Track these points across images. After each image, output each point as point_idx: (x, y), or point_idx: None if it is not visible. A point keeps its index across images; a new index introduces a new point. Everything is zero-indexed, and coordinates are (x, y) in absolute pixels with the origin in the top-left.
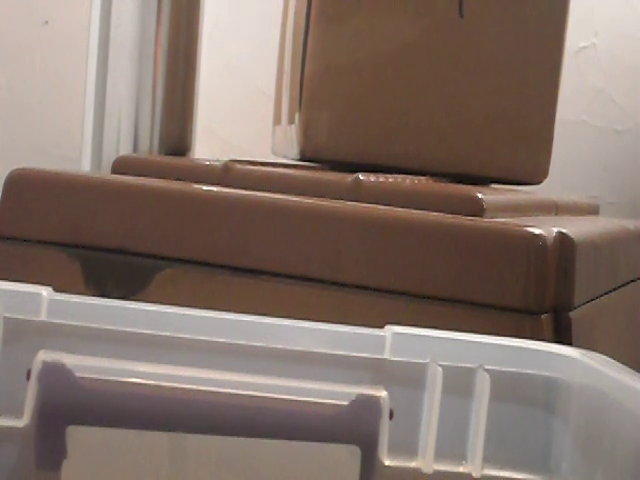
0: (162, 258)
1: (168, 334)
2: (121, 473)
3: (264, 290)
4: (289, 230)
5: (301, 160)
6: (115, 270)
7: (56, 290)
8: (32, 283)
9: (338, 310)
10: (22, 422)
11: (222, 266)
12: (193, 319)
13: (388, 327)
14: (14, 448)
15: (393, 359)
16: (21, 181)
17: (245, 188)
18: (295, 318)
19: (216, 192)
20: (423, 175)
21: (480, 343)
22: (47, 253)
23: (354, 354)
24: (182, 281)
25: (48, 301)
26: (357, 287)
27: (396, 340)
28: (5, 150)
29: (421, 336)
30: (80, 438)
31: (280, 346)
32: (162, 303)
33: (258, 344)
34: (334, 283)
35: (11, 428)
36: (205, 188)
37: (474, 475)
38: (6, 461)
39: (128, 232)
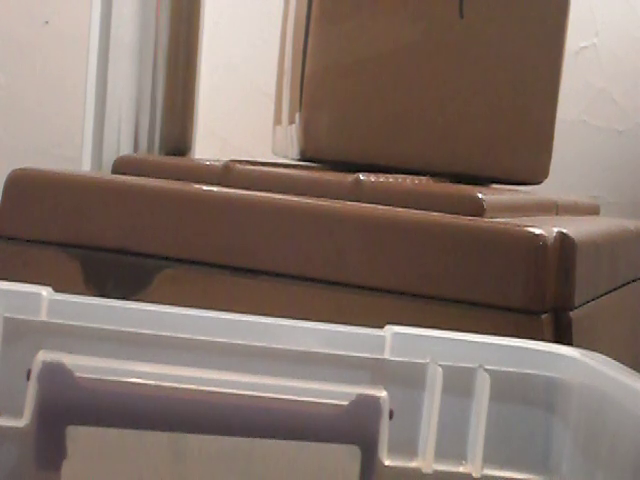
0: (162, 258)
1: (168, 334)
2: (121, 473)
3: (264, 290)
4: (289, 230)
5: (301, 160)
6: (115, 270)
7: (56, 290)
8: (32, 283)
9: (338, 310)
10: (22, 422)
11: (222, 266)
12: (193, 319)
13: (388, 327)
14: (14, 448)
15: (393, 359)
16: (21, 181)
17: (245, 188)
18: (295, 318)
19: (216, 192)
20: (423, 175)
21: (480, 343)
22: (47, 253)
23: (354, 354)
24: (182, 281)
25: (48, 301)
26: (357, 287)
27: (396, 340)
28: (5, 150)
29: (421, 336)
30: (80, 438)
31: (280, 346)
32: (162, 303)
33: (258, 344)
34: (334, 283)
35: (11, 428)
36: (205, 188)
37: (474, 475)
38: (6, 461)
39: (128, 232)
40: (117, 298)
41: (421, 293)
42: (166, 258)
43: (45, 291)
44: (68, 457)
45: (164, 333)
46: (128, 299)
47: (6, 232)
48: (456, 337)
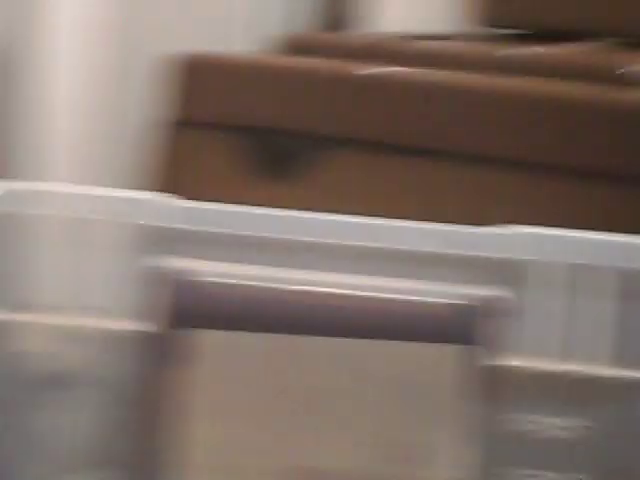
0: (329, 139)
1: (290, 237)
2: (244, 375)
3: (430, 170)
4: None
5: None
6: (283, 151)
7: (224, 174)
8: (201, 167)
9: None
10: (151, 326)
11: (384, 146)
12: (312, 222)
13: (512, 227)
14: (144, 351)
15: (518, 258)
16: (196, 66)
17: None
18: (443, 196)
19: (372, 73)
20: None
21: (610, 241)
22: (217, 136)
23: (477, 254)
24: (346, 163)
25: (178, 209)
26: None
27: (523, 239)
28: None
29: (547, 235)
30: (206, 341)
31: (405, 247)
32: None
33: (386, 246)
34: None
35: (141, 332)
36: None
37: (603, 375)
38: (135, 364)
39: (303, 114)
40: (285, 180)
41: (565, 165)
42: (333, 139)
43: (175, 199)
44: (195, 360)
45: (289, 237)
46: (296, 181)
47: (179, 117)
48: (585, 236)
